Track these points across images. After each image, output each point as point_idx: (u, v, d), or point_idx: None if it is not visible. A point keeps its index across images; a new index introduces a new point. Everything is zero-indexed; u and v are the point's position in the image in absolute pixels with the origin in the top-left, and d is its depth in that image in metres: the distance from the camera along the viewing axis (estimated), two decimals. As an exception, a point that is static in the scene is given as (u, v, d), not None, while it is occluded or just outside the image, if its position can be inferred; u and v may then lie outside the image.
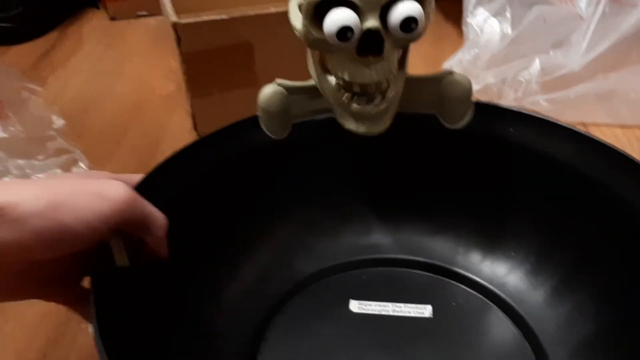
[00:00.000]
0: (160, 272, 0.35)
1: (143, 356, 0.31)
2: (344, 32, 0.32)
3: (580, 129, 0.40)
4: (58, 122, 0.51)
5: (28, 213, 0.25)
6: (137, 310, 0.33)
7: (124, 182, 0.31)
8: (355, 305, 0.41)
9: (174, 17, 0.52)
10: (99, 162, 0.56)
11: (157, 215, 0.32)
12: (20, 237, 0.25)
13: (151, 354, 0.32)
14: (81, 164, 0.49)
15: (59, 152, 0.50)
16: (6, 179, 0.46)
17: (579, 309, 0.38)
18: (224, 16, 0.52)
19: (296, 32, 0.35)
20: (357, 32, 0.32)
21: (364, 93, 0.35)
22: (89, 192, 0.28)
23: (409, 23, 0.32)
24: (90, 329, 0.28)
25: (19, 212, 0.25)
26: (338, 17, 0.32)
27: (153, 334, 0.33)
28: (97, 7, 0.85)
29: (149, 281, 0.34)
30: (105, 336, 0.27)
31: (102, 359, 0.26)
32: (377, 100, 0.35)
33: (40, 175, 0.47)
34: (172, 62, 0.71)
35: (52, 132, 0.50)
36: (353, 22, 0.32)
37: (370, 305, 0.41)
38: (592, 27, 0.58)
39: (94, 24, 0.82)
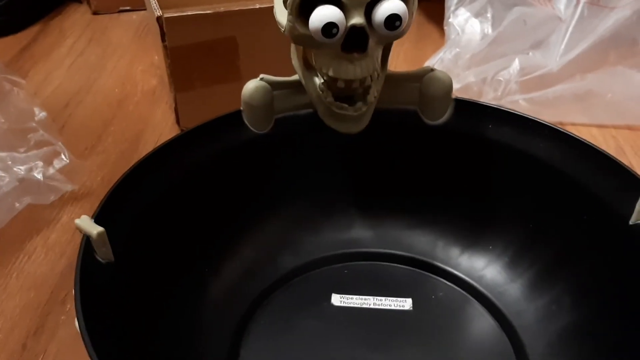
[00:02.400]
0: (145, 267, 0.36)
1: (128, 350, 0.31)
2: (330, 28, 0.33)
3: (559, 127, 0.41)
4: (40, 114, 0.51)
5: None
6: (121, 305, 0.33)
7: None
8: (337, 299, 0.41)
9: (158, 11, 0.52)
10: (81, 154, 0.56)
11: None
12: None
13: (136, 349, 0.32)
14: (63, 157, 0.49)
15: (41, 144, 0.49)
16: (-13, 171, 0.45)
17: (556, 302, 0.39)
18: (208, 11, 0.52)
19: (281, 28, 0.36)
20: (342, 28, 0.33)
21: (348, 88, 0.36)
22: None
23: (393, 20, 0.33)
24: (75, 323, 0.28)
25: None
26: (324, 14, 0.32)
27: (137, 328, 0.33)
28: (80, 2, 0.84)
29: (132, 276, 0.34)
30: (91, 330, 0.27)
31: (89, 352, 0.27)
32: (359, 104, 0.36)
33: (21, 167, 0.47)
34: (155, 57, 0.71)
35: (34, 124, 0.50)
36: (338, 18, 0.33)
37: (352, 298, 0.41)
38: (570, 28, 0.59)
39: (76, 18, 0.81)
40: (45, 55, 0.73)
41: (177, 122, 0.58)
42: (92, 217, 0.32)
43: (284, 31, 0.35)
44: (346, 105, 0.37)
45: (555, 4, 0.60)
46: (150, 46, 0.73)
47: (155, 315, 0.35)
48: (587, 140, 0.39)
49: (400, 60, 0.69)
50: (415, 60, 0.68)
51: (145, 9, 0.69)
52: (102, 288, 0.31)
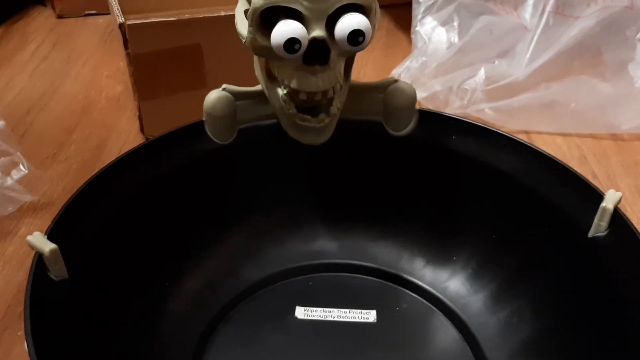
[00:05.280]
0: (101, 282, 0.35)
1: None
2: (292, 44, 0.32)
3: (523, 137, 0.41)
4: (-2, 123, 0.49)
5: None
6: (76, 323, 0.32)
7: None
8: (301, 312, 0.41)
9: (121, 18, 0.51)
10: (42, 163, 0.54)
11: None
12: None
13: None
14: (21, 167, 0.48)
15: (-2, 154, 0.48)
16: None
17: (517, 314, 0.39)
18: (172, 18, 0.52)
19: (242, 39, 0.35)
20: (304, 43, 0.32)
21: (310, 100, 0.36)
22: None
23: (356, 36, 0.33)
24: (25, 344, 0.27)
25: None
26: (285, 29, 0.32)
27: (93, 347, 0.32)
28: (44, 5, 0.83)
29: (88, 292, 0.34)
30: (40, 352, 0.26)
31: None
32: (322, 116, 0.36)
33: (-23, 179, 0.45)
34: (120, 63, 0.69)
35: (-8, 134, 0.49)
36: (300, 34, 0.32)
37: (316, 311, 0.41)
38: (535, 37, 0.59)
39: (40, 21, 0.80)
40: (7, 60, 0.71)
41: (142, 130, 0.57)
42: (45, 233, 0.31)
43: (244, 42, 0.35)
44: (309, 117, 0.37)
45: (520, 13, 0.61)
46: (116, 51, 0.72)
47: (112, 331, 0.34)
48: (548, 152, 0.39)
49: (368, 68, 0.69)
50: (383, 67, 0.68)
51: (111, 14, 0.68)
52: (55, 307, 0.30)
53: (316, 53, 0.33)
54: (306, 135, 0.38)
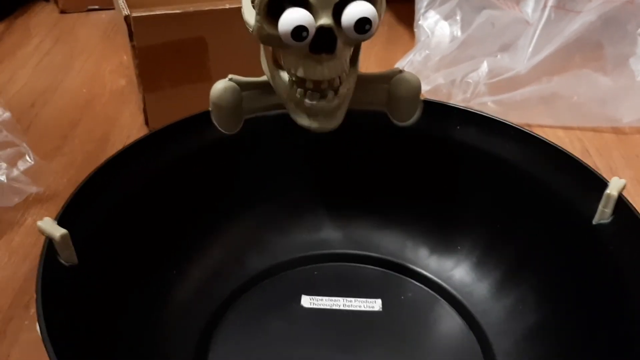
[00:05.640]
0: (110, 269, 0.35)
1: (91, 354, 0.31)
2: (299, 31, 0.32)
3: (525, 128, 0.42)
4: (4, 114, 0.50)
5: None
6: (85, 309, 0.32)
7: None
8: (307, 301, 0.41)
9: (126, 10, 0.51)
10: (46, 155, 0.55)
11: None
12: None
13: (99, 352, 0.32)
14: (27, 158, 0.48)
15: (5, 145, 0.48)
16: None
17: (522, 301, 0.39)
18: (177, 10, 0.52)
19: (249, 28, 0.35)
20: (311, 31, 0.33)
21: (317, 89, 0.36)
22: None
23: (363, 24, 0.33)
24: (37, 326, 0.28)
25: None
26: (293, 17, 0.32)
27: (101, 332, 0.33)
28: (47, 0, 0.83)
29: (97, 278, 0.34)
30: (53, 334, 0.27)
31: (50, 356, 0.26)
32: (330, 96, 0.36)
33: (-16, 169, 0.46)
34: (124, 57, 0.70)
35: (-3, 125, 0.49)
36: (308, 21, 0.32)
37: (321, 300, 0.41)
38: (537, 32, 0.60)
39: (43, 16, 0.80)
40: (10, 54, 0.71)
41: (146, 122, 0.58)
42: (55, 219, 0.32)
43: (251, 31, 0.35)
44: (318, 95, 0.36)
45: (522, 8, 0.61)
46: (119, 46, 0.72)
47: (120, 318, 0.35)
48: (552, 141, 0.39)
49: (371, 62, 0.70)
50: (385, 62, 0.69)
51: (114, 8, 0.68)
52: (65, 291, 0.30)
53: (323, 41, 0.33)
54: (315, 120, 0.37)
